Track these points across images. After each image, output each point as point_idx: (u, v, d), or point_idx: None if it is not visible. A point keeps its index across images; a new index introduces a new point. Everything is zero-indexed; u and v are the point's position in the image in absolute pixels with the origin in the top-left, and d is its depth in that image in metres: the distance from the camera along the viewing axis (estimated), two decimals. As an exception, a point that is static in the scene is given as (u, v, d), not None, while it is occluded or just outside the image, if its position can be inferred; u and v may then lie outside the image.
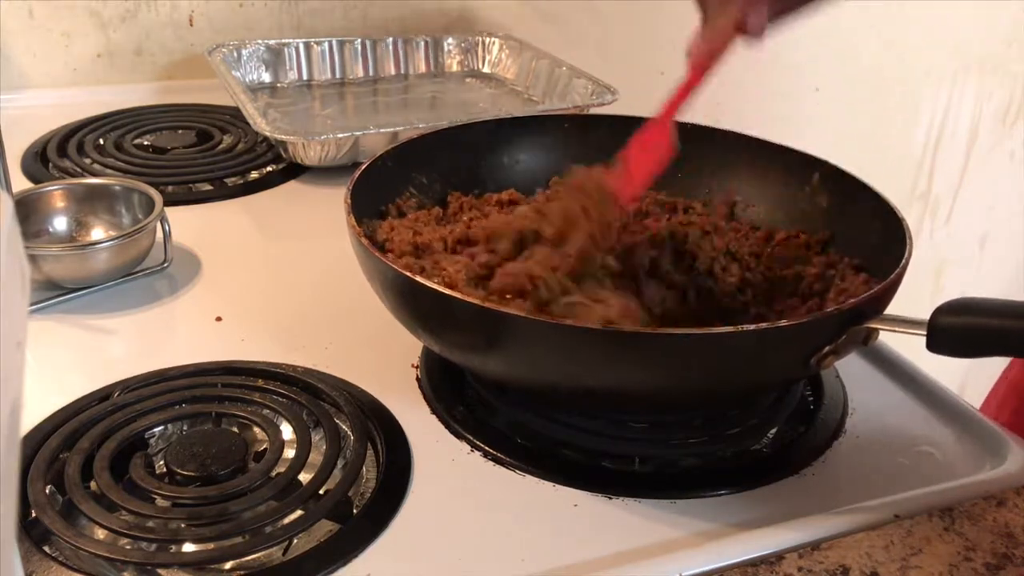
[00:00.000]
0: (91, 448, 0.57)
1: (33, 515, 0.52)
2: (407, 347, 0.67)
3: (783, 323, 0.53)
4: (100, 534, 0.52)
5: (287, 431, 0.60)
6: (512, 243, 0.64)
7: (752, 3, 0.57)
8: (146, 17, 1.22)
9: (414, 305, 0.59)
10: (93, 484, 0.55)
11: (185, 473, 0.55)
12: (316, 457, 0.57)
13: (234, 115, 1.10)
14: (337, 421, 0.60)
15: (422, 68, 1.27)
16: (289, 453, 0.58)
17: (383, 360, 0.68)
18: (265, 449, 0.58)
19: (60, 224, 0.80)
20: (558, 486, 0.57)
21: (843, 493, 0.57)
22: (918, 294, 0.68)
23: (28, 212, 0.78)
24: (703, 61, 0.59)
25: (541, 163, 0.81)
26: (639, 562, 0.51)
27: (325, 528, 0.54)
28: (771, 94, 1.60)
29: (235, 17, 1.26)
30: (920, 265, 0.89)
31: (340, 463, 0.57)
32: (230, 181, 0.98)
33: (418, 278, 0.56)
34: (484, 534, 0.54)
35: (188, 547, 0.52)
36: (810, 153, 0.74)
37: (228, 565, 0.51)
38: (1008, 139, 1.87)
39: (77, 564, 0.50)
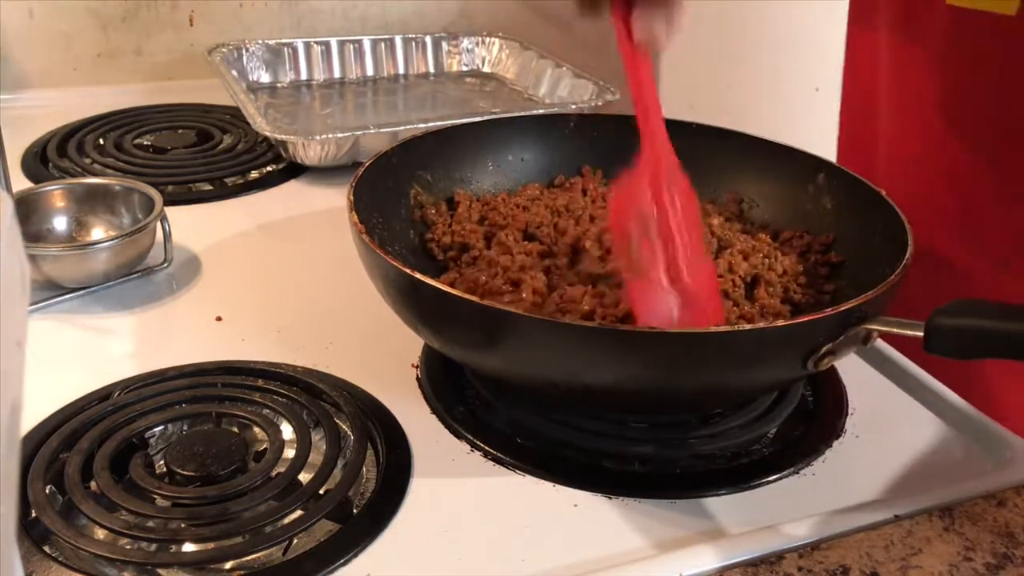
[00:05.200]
0: (91, 448, 0.57)
1: (33, 515, 0.52)
2: (407, 347, 0.67)
3: (781, 323, 0.53)
4: (100, 534, 0.52)
5: (287, 431, 0.60)
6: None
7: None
8: (146, 17, 1.22)
9: (415, 302, 0.59)
10: (93, 484, 0.55)
11: (185, 473, 0.55)
12: (316, 457, 0.57)
13: (234, 115, 1.10)
14: (337, 421, 0.60)
15: (422, 68, 1.27)
16: (289, 453, 0.58)
17: (383, 360, 0.68)
18: (265, 449, 0.58)
19: (60, 224, 0.80)
20: (558, 486, 0.57)
21: (843, 493, 0.57)
22: (918, 294, 0.67)
23: (28, 212, 0.79)
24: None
25: (543, 163, 0.81)
26: (639, 562, 0.51)
27: (325, 528, 0.54)
28: (771, 94, 1.60)
29: (235, 17, 1.26)
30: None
31: (340, 463, 0.57)
32: (230, 181, 0.98)
33: (418, 275, 0.56)
34: (484, 534, 0.54)
35: (188, 547, 0.52)
36: (814, 154, 0.74)
37: (228, 565, 0.51)
38: (1008, 139, 1.87)
39: (77, 564, 0.50)
